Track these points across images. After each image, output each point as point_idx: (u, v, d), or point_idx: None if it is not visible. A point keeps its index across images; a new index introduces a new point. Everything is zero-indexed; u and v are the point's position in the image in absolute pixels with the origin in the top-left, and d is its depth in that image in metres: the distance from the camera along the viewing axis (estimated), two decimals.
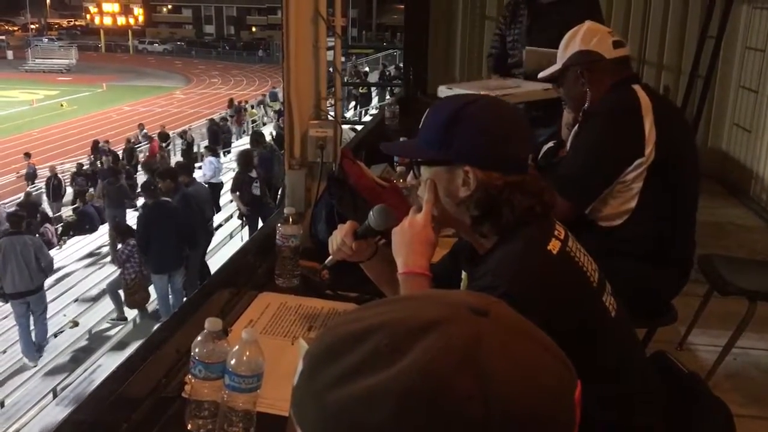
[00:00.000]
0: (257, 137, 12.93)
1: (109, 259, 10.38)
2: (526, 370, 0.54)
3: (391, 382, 0.51)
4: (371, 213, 1.60)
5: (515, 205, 1.32)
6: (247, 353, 1.29)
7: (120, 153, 17.76)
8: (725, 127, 5.84)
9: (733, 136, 5.77)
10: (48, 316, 8.35)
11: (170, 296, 7.64)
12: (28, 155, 17.99)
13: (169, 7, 66.47)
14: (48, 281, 8.96)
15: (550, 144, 3.05)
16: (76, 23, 66.95)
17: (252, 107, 24.75)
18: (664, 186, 2.20)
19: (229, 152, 18.38)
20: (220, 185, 12.82)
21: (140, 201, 11.65)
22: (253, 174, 9.70)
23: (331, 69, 2.62)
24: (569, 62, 2.34)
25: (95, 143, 18.98)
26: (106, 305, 8.98)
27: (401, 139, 3.38)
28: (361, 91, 19.65)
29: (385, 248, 1.60)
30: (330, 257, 1.68)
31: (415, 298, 0.62)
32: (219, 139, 19.00)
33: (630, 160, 2.17)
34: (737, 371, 3.03)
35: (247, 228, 10.03)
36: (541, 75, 2.49)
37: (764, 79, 5.25)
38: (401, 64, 11.39)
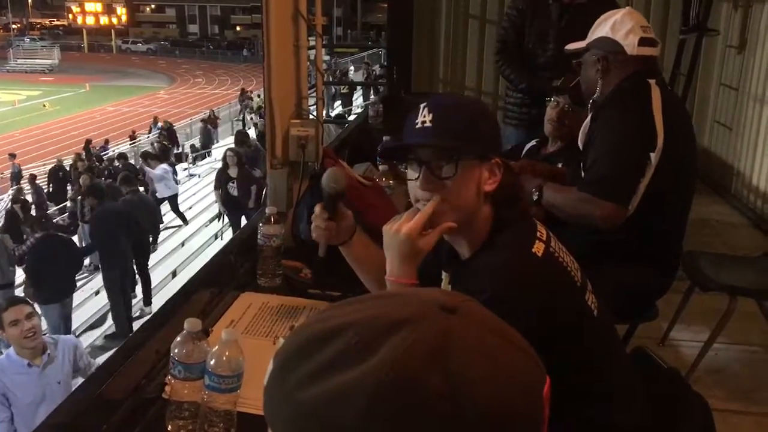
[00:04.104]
0: (242, 137, 12.85)
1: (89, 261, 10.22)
2: (495, 366, 0.54)
3: (360, 380, 0.51)
4: (322, 180, 1.65)
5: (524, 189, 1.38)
6: (227, 353, 1.29)
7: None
8: (707, 125, 5.88)
9: (714, 133, 5.82)
10: None
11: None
12: (13, 155, 17.83)
13: (153, 6, 66.09)
14: None
15: (533, 142, 3.06)
16: (59, 23, 66.39)
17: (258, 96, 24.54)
18: (664, 195, 2.17)
19: (209, 154, 18.25)
20: (174, 197, 12.29)
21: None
22: (232, 173, 9.48)
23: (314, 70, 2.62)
24: (592, 45, 2.29)
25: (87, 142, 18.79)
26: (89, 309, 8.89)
27: (385, 138, 3.39)
28: (342, 90, 19.54)
29: (361, 231, 1.68)
30: (320, 247, 1.68)
31: (385, 296, 0.62)
32: (176, 142, 18.65)
33: (649, 148, 2.11)
34: (719, 366, 3.05)
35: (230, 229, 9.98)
36: (568, 47, 2.41)
37: (744, 77, 5.30)
38: (386, 63, 11.37)
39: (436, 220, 1.37)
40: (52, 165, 15.92)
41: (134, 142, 19.75)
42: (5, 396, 3.48)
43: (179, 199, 13.66)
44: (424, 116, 1.35)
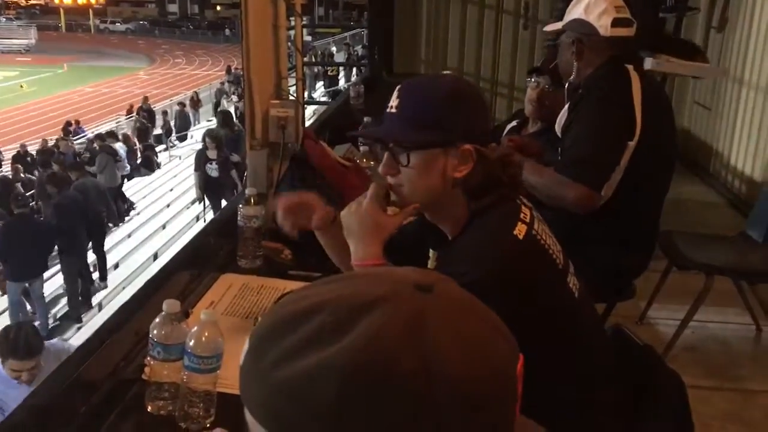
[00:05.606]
0: (225, 118, 12.69)
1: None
2: (469, 345, 0.54)
3: (335, 359, 0.52)
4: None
5: (511, 175, 1.35)
6: (206, 334, 1.29)
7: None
8: (686, 105, 5.92)
9: (693, 114, 5.86)
10: None
11: (26, 304, 7.94)
12: None
13: None
14: None
15: (513, 123, 3.07)
16: (35, 2, 65.18)
17: None
18: (642, 177, 2.18)
19: (185, 138, 18.04)
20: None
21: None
22: (212, 155, 9.27)
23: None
24: (567, 26, 2.29)
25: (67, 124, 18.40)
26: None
27: (366, 119, 3.38)
28: (331, 73, 19.38)
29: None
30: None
31: (360, 275, 0.62)
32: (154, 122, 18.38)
33: (627, 137, 2.12)
34: (695, 344, 3.10)
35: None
36: (546, 28, 2.40)
37: (724, 57, 5.33)
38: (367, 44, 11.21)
39: (401, 202, 1.39)
40: (15, 152, 15.26)
41: (129, 117, 19.29)
42: None
43: (159, 182, 13.61)
44: (393, 101, 1.35)
